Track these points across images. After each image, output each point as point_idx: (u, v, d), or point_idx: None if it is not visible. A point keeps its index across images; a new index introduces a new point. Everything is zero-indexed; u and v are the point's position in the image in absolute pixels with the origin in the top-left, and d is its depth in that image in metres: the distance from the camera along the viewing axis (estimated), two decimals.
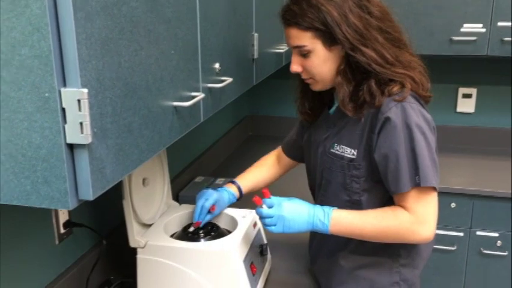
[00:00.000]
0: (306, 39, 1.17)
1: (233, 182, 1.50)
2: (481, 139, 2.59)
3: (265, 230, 1.32)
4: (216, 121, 2.37)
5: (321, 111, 1.36)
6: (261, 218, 1.23)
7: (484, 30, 2.15)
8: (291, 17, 1.18)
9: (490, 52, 2.17)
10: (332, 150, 1.27)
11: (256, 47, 1.53)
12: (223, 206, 1.44)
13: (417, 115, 1.15)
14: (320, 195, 1.35)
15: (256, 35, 1.53)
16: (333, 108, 1.31)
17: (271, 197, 1.24)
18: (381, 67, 1.15)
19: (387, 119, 1.14)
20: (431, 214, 1.17)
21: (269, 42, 1.71)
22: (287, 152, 1.58)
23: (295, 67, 1.24)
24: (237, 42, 1.38)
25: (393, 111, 1.14)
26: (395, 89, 1.16)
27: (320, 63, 1.20)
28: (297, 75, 1.28)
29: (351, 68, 1.17)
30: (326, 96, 1.34)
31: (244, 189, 1.50)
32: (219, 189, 1.46)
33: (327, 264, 1.37)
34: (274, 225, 1.20)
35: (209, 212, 1.38)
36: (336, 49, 1.17)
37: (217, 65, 1.21)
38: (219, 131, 2.50)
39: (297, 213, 1.20)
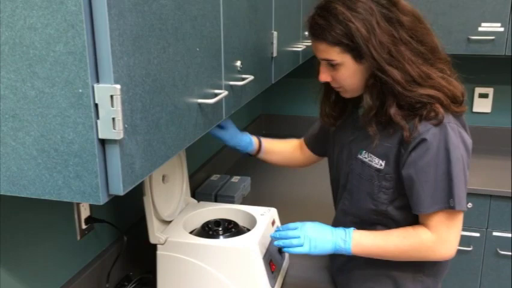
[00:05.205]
0: (335, 54, 1.15)
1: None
2: (498, 139, 2.57)
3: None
4: (231, 119, 2.36)
5: (343, 116, 1.34)
6: (286, 239, 1.20)
7: (502, 29, 2.14)
8: (319, 33, 1.16)
9: (508, 52, 2.15)
10: (359, 156, 1.25)
11: (275, 45, 1.53)
12: (236, 136, 1.53)
13: (457, 137, 1.12)
14: (343, 197, 1.34)
15: (275, 33, 1.53)
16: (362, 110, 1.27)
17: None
18: (405, 90, 1.11)
19: (424, 140, 1.11)
20: (454, 234, 1.17)
21: (287, 40, 1.71)
22: (308, 143, 1.57)
23: (324, 77, 1.21)
24: (257, 40, 1.38)
25: (431, 133, 1.11)
26: (432, 114, 1.12)
27: (350, 75, 1.17)
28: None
29: (378, 85, 1.14)
30: (350, 102, 1.31)
31: (265, 145, 1.53)
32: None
33: (347, 265, 1.36)
34: (301, 246, 1.19)
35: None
36: (366, 62, 1.14)
37: (238, 63, 1.21)
38: None
39: (321, 233, 1.20)
